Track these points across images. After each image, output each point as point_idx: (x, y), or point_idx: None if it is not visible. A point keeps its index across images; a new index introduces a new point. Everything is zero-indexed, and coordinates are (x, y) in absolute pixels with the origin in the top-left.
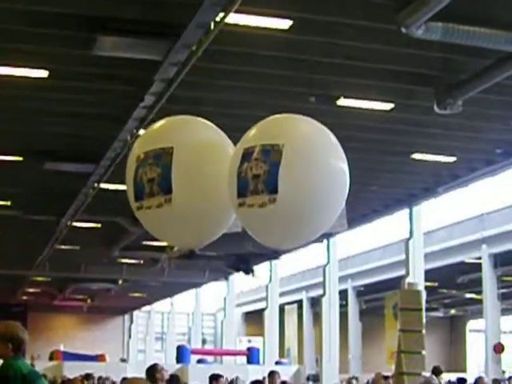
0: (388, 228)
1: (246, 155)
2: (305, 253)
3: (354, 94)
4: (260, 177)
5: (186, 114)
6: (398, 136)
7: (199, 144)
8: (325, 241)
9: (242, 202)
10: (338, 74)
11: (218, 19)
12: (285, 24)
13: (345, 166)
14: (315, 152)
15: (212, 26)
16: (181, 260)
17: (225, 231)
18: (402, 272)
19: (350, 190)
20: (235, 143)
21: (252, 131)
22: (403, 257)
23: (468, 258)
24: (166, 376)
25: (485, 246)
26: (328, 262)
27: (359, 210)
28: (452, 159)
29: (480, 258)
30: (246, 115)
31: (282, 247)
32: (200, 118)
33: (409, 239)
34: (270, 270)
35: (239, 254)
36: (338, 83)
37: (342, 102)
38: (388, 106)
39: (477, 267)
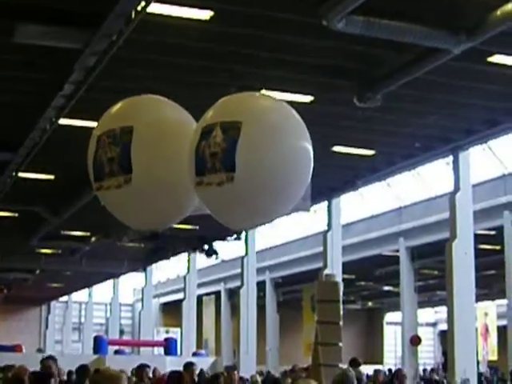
0: (306, 220)
1: (205, 133)
2: (223, 244)
3: (274, 86)
4: (217, 155)
5: (104, 104)
6: (317, 128)
7: (159, 122)
8: (243, 232)
9: (199, 180)
10: (259, 66)
11: (139, 8)
12: (206, 14)
13: (308, 144)
14: (275, 129)
15: (133, 16)
16: (143, 242)
17: (192, 213)
18: (320, 264)
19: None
20: None
21: (211, 109)
22: (321, 249)
23: (386, 250)
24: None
25: (402, 239)
26: (246, 254)
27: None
28: (371, 152)
29: (397, 251)
30: None
31: (241, 227)
32: (162, 97)
33: (327, 231)
34: (188, 261)
35: (201, 236)
36: (258, 75)
37: (263, 94)
38: (308, 99)
39: (394, 260)
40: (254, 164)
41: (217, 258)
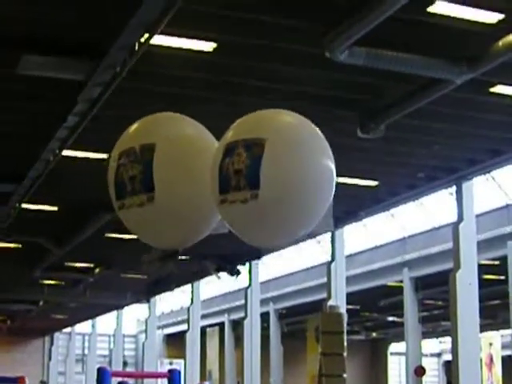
0: (310, 250)
1: (229, 150)
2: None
3: None
4: (242, 172)
5: (108, 136)
6: None
7: (182, 140)
8: (247, 263)
9: (223, 198)
10: (262, 97)
11: (142, 40)
12: (209, 46)
13: (330, 162)
14: (299, 146)
15: (136, 47)
16: (163, 262)
17: (211, 232)
18: (325, 295)
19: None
20: None
21: (234, 127)
22: (325, 279)
23: (390, 281)
24: None
25: (406, 270)
26: (250, 285)
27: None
28: (374, 183)
29: (402, 282)
30: None
31: (265, 245)
32: (181, 115)
33: (331, 262)
34: (192, 292)
35: (223, 255)
36: (262, 105)
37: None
38: None
39: (398, 290)
40: (278, 181)
41: (237, 276)
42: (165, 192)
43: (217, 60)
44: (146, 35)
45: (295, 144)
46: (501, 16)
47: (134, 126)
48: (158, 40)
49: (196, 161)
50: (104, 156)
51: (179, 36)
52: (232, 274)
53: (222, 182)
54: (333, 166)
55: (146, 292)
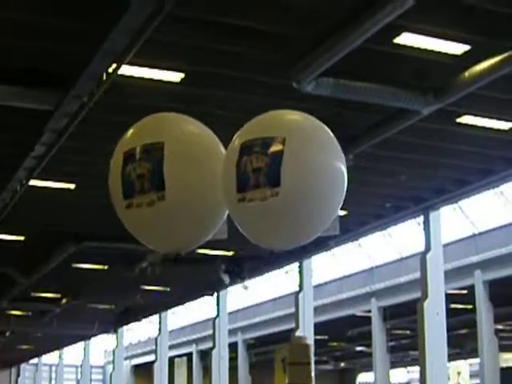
0: (278, 281)
1: (245, 149)
2: (195, 305)
3: None
4: (261, 170)
5: (75, 166)
6: None
7: (190, 138)
8: (215, 293)
9: (241, 196)
10: (230, 127)
11: (110, 70)
12: (177, 77)
13: (344, 166)
14: (318, 145)
15: (104, 77)
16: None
17: (210, 238)
18: (293, 325)
19: (241, 242)
20: None
21: (250, 125)
22: (293, 309)
23: (358, 311)
24: None
25: (374, 300)
26: (218, 315)
27: (249, 263)
28: (343, 213)
29: (370, 311)
30: None
31: (279, 246)
32: (185, 116)
33: (299, 292)
34: (160, 323)
35: (232, 257)
36: (231, 136)
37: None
38: None
39: (366, 320)
40: (299, 178)
41: (242, 282)
42: (176, 190)
43: (185, 90)
44: (114, 65)
45: (313, 142)
46: (467, 47)
47: (139, 126)
48: (126, 70)
49: (205, 159)
50: (71, 186)
51: (147, 66)
52: (239, 277)
53: (240, 180)
54: (345, 170)
55: (114, 322)
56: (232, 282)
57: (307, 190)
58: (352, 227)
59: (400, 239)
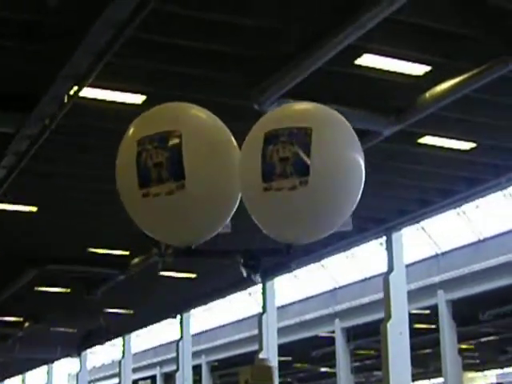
0: (242, 302)
1: (271, 138)
2: (159, 328)
3: None
4: (289, 159)
5: (37, 189)
6: None
7: (208, 127)
8: (178, 316)
9: (267, 186)
10: None
11: (71, 93)
12: (138, 99)
13: (362, 161)
14: (344, 136)
15: (66, 100)
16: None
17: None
18: (257, 347)
19: (205, 264)
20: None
21: (273, 114)
22: (257, 331)
23: (321, 332)
24: None
25: (337, 320)
26: (181, 337)
27: (213, 284)
28: None
29: (333, 332)
30: (99, 189)
31: (299, 238)
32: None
33: (262, 314)
34: (123, 346)
35: (248, 250)
36: None
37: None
38: None
39: (330, 341)
40: (327, 168)
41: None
42: (196, 180)
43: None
44: (76, 88)
45: (339, 134)
46: (427, 68)
47: (153, 114)
48: (88, 92)
49: (223, 148)
50: (33, 209)
51: (109, 89)
52: (254, 271)
53: (266, 169)
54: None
55: (77, 346)
56: (249, 277)
57: (335, 179)
58: (315, 248)
59: (363, 260)
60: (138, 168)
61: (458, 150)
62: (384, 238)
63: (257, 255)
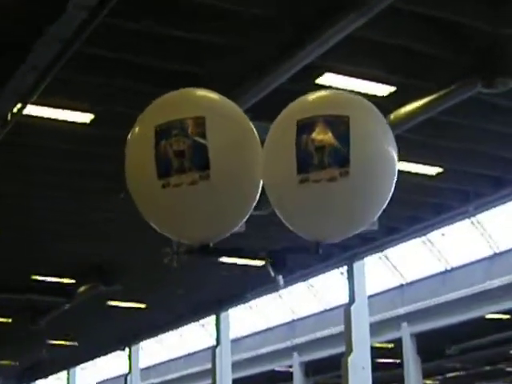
0: (194, 334)
1: (304, 127)
2: (106, 362)
3: None
4: (325, 148)
5: None
6: None
7: (232, 114)
8: (127, 349)
9: (303, 177)
10: None
11: (15, 110)
12: (86, 118)
13: (396, 154)
14: (380, 125)
15: (9, 117)
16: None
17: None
18: (209, 381)
19: (155, 294)
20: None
21: (304, 102)
22: (210, 365)
23: (278, 366)
24: None
25: (296, 354)
26: (130, 371)
27: (164, 315)
28: (260, 263)
29: (291, 367)
30: (45, 209)
31: (331, 235)
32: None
33: (215, 347)
34: (68, 379)
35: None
36: None
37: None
38: None
39: (288, 376)
40: (367, 158)
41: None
42: (221, 170)
43: (95, 131)
44: (19, 105)
45: (376, 124)
46: (392, 88)
47: (174, 97)
48: (33, 110)
49: (247, 138)
50: None
51: (54, 107)
52: (282, 270)
53: (301, 160)
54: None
55: (19, 379)
56: (276, 276)
57: (374, 171)
58: (270, 279)
59: (323, 290)
60: (156, 157)
61: (424, 175)
62: (345, 267)
63: (283, 254)
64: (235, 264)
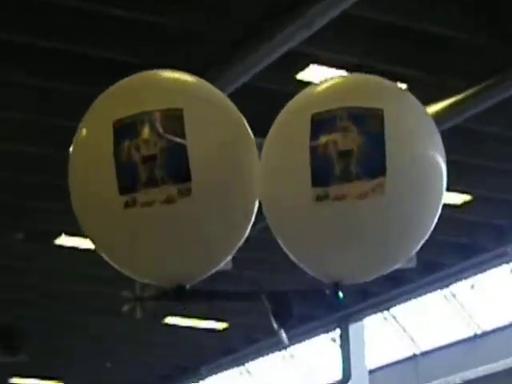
0: None
1: (321, 123)
2: None
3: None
4: (353, 153)
5: None
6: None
7: (220, 104)
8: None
9: (321, 193)
10: (54, 214)
11: None
12: None
13: (444, 163)
14: (421, 122)
15: None
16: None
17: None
18: None
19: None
20: None
21: (318, 92)
22: None
23: None
24: None
25: None
26: None
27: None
28: (223, 325)
29: None
30: None
31: (357, 273)
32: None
33: None
34: None
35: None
36: (53, 221)
37: (62, 240)
38: None
39: None
40: (409, 167)
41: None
42: (206, 181)
43: None
44: None
45: (419, 117)
46: (402, 86)
47: (140, 81)
48: None
49: (240, 135)
50: None
51: None
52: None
53: (318, 169)
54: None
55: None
56: (279, 329)
57: (416, 184)
58: (235, 345)
59: (307, 362)
60: (116, 164)
61: (447, 206)
62: (337, 330)
63: (289, 299)
64: (189, 328)
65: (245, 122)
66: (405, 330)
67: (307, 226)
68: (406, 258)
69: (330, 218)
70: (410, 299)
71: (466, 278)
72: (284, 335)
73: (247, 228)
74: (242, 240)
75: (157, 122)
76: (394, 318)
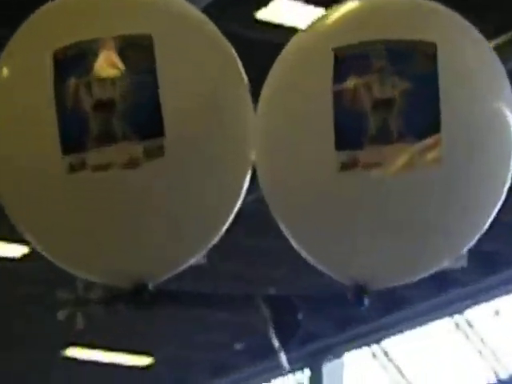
0: None
1: (347, 62)
2: None
3: None
4: (394, 104)
5: None
6: None
7: (202, 27)
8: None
9: (349, 160)
10: None
11: None
12: None
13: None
14: (490, 71)
15: None
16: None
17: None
18: None
19: None
20: None
21: (340, 17)
22: None
23: None
24: None
25: None
26: None
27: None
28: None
29: None
30: None
31: (390, 274)
32: None
33: None
34: None
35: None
36: None
37: None
38: None
39: None
40: (472, 122)
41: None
42: (185, 136)
43: None
44: None
45: (484, 55)
46: None
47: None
48: None
49: (229, 70)
50: None
51: None
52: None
53: (344, 126)
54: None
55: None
56: (279, 349)
57: (481, 149)
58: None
59: None
60: (58, 112)
61: None
62: (306, 371)
63: (293, 304)
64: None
65: (233, 51)
66: (400, 371)
67: (327, 206)
68: (457, 252)
69: (360, 194)
70: (408, 329)
71: (487, 300)
72: (284, 357)
73: (235, 205)
74: (228, 223)
75: (116, 53)
76: (386, 353)
